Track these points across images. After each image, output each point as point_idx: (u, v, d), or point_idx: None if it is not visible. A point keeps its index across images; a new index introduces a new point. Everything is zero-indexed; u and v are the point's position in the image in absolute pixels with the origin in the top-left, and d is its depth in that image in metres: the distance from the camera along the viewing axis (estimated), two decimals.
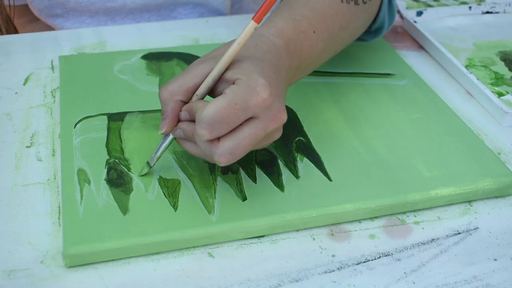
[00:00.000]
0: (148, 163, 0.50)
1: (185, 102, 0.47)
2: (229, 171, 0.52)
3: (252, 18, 0.44)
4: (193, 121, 0.46)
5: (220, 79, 0.46)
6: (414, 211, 0.52)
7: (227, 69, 0.45)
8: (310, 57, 0.53)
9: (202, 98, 0.47)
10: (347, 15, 0.56)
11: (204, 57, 0.48)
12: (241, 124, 0.43)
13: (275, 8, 0.54)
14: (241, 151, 0.44)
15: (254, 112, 0.43)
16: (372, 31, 0.65)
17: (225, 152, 0.43)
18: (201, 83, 0.46)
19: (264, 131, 0.44)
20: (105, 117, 0.58)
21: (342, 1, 0.55)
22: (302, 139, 0.56)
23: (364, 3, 0.58)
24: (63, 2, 0.76)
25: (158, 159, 0.50)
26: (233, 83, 0.44)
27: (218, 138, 0.44)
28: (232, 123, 0.43)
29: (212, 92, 0.47)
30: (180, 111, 0.47)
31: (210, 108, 0.42)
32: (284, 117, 0.45)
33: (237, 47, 0.45)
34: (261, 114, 0.44)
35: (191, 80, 0.46)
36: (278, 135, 0.47)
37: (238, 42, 0.44)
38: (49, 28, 0.81)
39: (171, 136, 0.49)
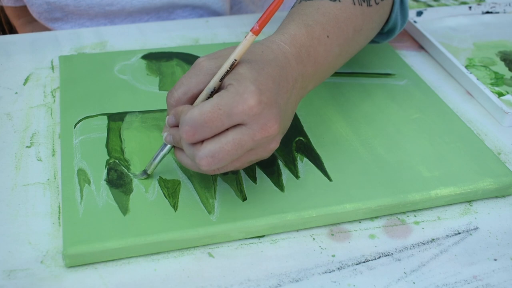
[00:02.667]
0: (145, 170, 0.50)
1: None
2: (229, 171, 0.52)
3: (251, 30, 0.44)
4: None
5: (218, 86, 0.46)
6: (414, 211, 0.52)
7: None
8: (326, 62, 0.52)
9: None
10: (360, 17, 0.55)
11: (209, 57, 0.47)
12: (227, 130, 0.43)
13: (287, 16, 0.54)
14: (223, 155, 0.43)
15: (240, 119, 0.42)
16: (384, 32, 0.64)
17: (206, 155, 0.43)
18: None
19: (251, 138, 0.43)
20: (105, 117, 0.58)
21: (354, 4, 0.55)
22: (302, 139, 0.56)
23: (377, 4, 0.57)
24: (62, 6, 0.76)
25: (155, 166, 0.50)
26: (222, 89, 0.44)
27: (202, 142, 0.43)
28: (215, 127, 0.42)
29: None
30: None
31: (194, 111, 0.42)
32: (274, 128, 0.43)
33: (234, 62, 0.44)
34: (249, 121, 0.43)
35: (196, 87, 0.46)
36: (274, 145, 0.45)
37: (235, 57, 0.44)
38: (49, 29, 0.81)
39: (169, 145, 0.49)
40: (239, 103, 0.42)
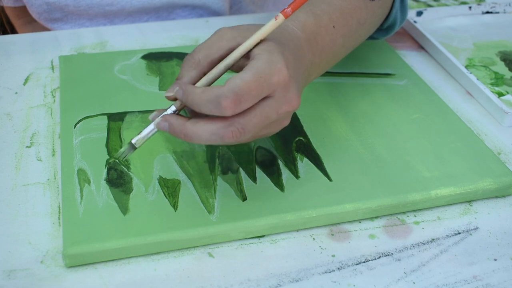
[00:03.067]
0: (131, 143, 0.45)
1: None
2: (229, 171, 0.52)
3: (282, 12, 0.43)
4: (182, 116, 0.44)
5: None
6: (414, 211, 0.52)
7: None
8: (331, 52, 0.53)
9: (225, 71, 0.45)
10: (364, 10, 0.56)
11: (232, 28, 0.46)
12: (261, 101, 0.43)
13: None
14: (250, 128, 0.42)
15: (273, 89, 0.42)
16: (384, 28, 0.64)
17: (237, 127, 0.42)
18: (225, 55, 0.45)
19: (276, 111, 0.43)
20: (105, 117, 0.58)
21: None
22: (302, 139, 0.56)
23: None
24: (61, 6, 0.76)
25: (144, 142, 0.46)
26: (254, 59, 0.43)
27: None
28: (258, 96, 0.42)
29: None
30: (176, 99, 0.45)
31: (236, 81, 0.41)
32: (297, 103, 0.44)
33: (261, 36, 0.44)
34: (278, 93, 0.43)
35: (217, 51, 0.45)
36: (286, 122, 0.46)
37: (261, 37, 0.44)
38: (49, 29, 0.81)
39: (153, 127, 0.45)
40: (275, 71, 0.42)
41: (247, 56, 0.45)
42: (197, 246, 0.47)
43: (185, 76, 0.45)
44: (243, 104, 0.41)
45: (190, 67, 0.45)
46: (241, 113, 0.42)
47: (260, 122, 0.43)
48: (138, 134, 0.45)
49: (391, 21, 0.63)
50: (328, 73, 0.66)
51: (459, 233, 0.50)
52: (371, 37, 0.65)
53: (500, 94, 0.67)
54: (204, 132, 0.43)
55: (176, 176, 0.51)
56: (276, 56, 0.43)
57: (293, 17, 0.50)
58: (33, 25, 0.85)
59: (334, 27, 0.52)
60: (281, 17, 0.44)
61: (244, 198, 0.49)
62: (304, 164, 0.53)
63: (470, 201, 0.53)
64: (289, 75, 0.43)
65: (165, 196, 0.49)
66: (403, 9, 0.64)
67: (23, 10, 0.82)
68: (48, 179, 0.52)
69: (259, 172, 0.52)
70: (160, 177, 0.51)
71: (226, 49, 0.45)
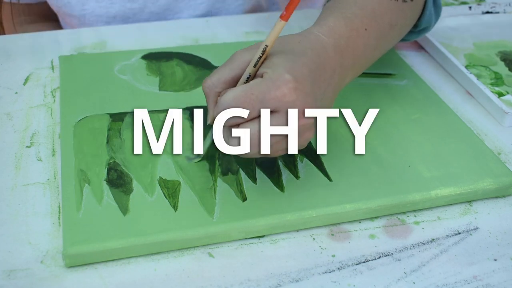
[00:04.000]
0: (195, 154, 0.51)
1: None
2: (229, 172, 0.52)
3: (280, 16, 0.44)
4: None
5: (255, 74, 0.46)
6: (414, 211, 0.52)
7: (261, 64, 0.45)
8: (364, 55, 0.52)
9: None
10: (395, 13, 0.56)
11: (245, 48, 0.47)
12: (259, 116, 0.43)
13: (324, 9, 0.54)
14: (255, 141, 0.43)
15: (273, 105, 0.43)
16: (417, 30, 0.64)
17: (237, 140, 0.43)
18: (238, 75, 0.46)
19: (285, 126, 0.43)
20: (105, 117, 0.58)
21: None
22: None
23: (411, 0, 0.57)
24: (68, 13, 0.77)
25: (207, 148, 0.51)
26: (261, 77, 0.44)
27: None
28: (251, 112, 0.43)
29: None
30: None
31: (228, 95, 0.43)
32: (309, 118, 0.44)
33: (265, 48, 0.45)
34: (282, 109, 0.43)
35: (229, 73, 0.46)
36: (309, 135, 0.46)
37: (266, 43, 0.44)
38: (49, 29, 0.81)
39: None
40: (271, 89, 0.43)
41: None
42: (197, 246, 0.47)
43: (209, 104, 0.48)
44: (230, 118, 0.43)
45: (206, 92, 0.47)
46: (244, 126, 0.43)
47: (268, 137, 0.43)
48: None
49: (425, 23, 0.62)
50: None
51: (459, 233, 0.50)
52: (403, 39, 0.64)
53: (500, 94, 0.67)
54: (227, 140, 0.46)
55: (176, 177, 0.51)
56: (278, 72, 0.43)
57: (321, 22, 0.50)
58: (33, 25, 0.85)
59: (366, 29, 0.52)
60: (279, 21, 0.44)
61: (244, 199, 0.49)
62: (304, 164, 0.53)
63: (470, 201, 0.53)
64: (292, 88, 0.43)
65: (165, 196, 0.49)
66: (437, 9, 0.63)
67: (23, 10, 0.82)
68: (48, 179, 0.52)
69: (259, 173, 0.52)
70: (160, 178, 0.51)
71: (236, 70, 0.46)
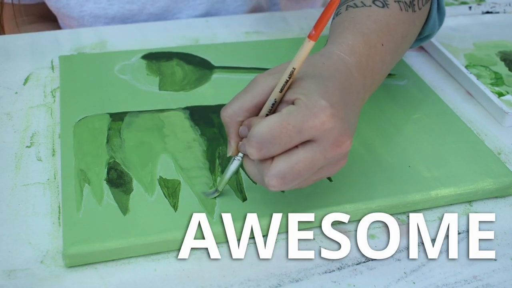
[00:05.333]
0: (216, 189, 0.49)
1: None
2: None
3: (308, 36, 0.41)
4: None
5: (281, 100, 0.43)
6: (414, 211, 0.52)
7: (288, 88, 0.42)
8: (381, 71, 0.50)
9: None
10: (407, 24, 0.54)
11: (267, 72, 0.45)
12: (296, 147, 0.41)
13: (336, 24, 0.52)
14: (294, 176, 0.41)
15: (311, 135, 0.40)
16: (420, 38, 0.62)
17: (276, 176, 0.41)
18: (261, 102, 0.43)
19: (323, 156, 0.41)
20: (105, 117, 0.58)
21: (401, 10, 0.53)
22: None
23: (420, 9, 0.56)
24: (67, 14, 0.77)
25: (226, 182, 0.48)
26: (293, 103, 0.41)
27: (272, 159, 0.41)
28: (284, 144, 0.40)
29: (274, 113, 0.43)
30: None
31: (262, 125, 0.40)
32: (348, 143, 0.42)
33: (293, 70, 0.42)
34: (320, 137, 0.40)
35: (251, 100, 0.43)
36: (344, 162, 0.43)
37: (293, 65, 0.41)
38: (48, 29, 0.81)
39: (238, 159, 0.46)
40: (309, 118, 0.40)
41: (288, 100, 0.42)
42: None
43: (230, 134, 0.45)
44: (264, 150, 0.40)
45: (226, 121, 0.44)
46: (282, 158, 0.41)
47: (305, 169, 0.41)
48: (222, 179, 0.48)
49: (429, 30, 0.61)
50: None
51: (459, 233, 0.50)
52: None
53: (500, 94, 0.67)
54: (252, 174, 0.44)
55: (176, 177, 0.51)
56: (314, 99, 0.41)
57: (339, 41, 0.48)
58: (33, 25, 0.85)
59: (382, 45, 0.50)
60: (307, 41, 0.41)
61: (244, 198, 0.49)
62: None
63: (470, 201, 0.53)
64: (330, 115, 0.40)
65: (165, 196, 0.49)
66: (441, 15, 0.62)
67: (23, 10, 0.82)
68: (48, 179, 0.52)
69: None
70: (160, 177, 0.51)
71: (259, 96, 0.43)
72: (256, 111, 0.44)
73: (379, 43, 0.50)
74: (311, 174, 0.42)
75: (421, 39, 0.63)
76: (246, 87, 0.44)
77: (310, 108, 0.40)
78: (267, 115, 0.43)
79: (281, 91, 0.42)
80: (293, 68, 0.42)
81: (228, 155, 0.46)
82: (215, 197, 0.49)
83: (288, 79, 0.42)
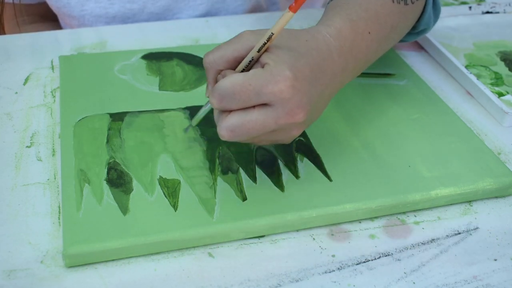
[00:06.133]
0: (190, 124, 0.54)
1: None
2: (229, 171, 0.52)
3: (289, 7, 0.43)
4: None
5: (257, 60, 0.46)
6: (414, 211, 0.52)
7: (265, 52, 0.45)
8: (365, 58, 0.53)
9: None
10: (397, 15, 0.56)
11: (254, 31, 0.47)
12: (253, 107, 0.44)
13: (330, 7, 0.54)
14: (243, 132, 0.44)
15: (268, 99, 0.43)
16: (415, 32, 0.64)
17: (227, 128, 0.44)
18: (241, 57, 0.46)
19: (274, 121, 0.43)
20: (105, 117, 0.58)
21: (393, 1, 0.55)
22: (302, 139, 0.56)
23: (412, 3, 0.58)
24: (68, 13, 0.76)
25: (199, 119, 0.52)
26: (263, 67, 0.44)
27: (229, 113, 0.44)
28: (242, 101, 0.43)
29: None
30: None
31: (226, 80, 0.43)
32: (301, 115, 0.44)
33: (271, 35, 0.44)
34: (275, 103, 0.43)
35: (232, 53, 0.46)
36: (296, 132, 0.46)
37: (272, 31, 0.44)
38: (48, 29, 0.81)
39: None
40: (270, 83, 0.43)
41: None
42: (197, 246, 0.47)
43: (208, 78, 0.48)
44: (223, 103, 0.44)
45: (207, 67, 0.47)
46: (237, 113, 0.44)
47: (254, 129, 0.44)
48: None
49: (424, 25, 0.63)
50: None
51: (459, 233, 0.50)
52: (401, 40, 0.64)
53: (500, 94, 0.67)
54: (216, 120, 0.46)
55: (176, 176, 0.51)
56: (280, 67, 0.43)
57: (328, 23, 0.50)
58: (33, 25, 0.85)
59: (369, 33, 0.52)
60: (287, 12, 0.43)
61: (244, 198, 0.49)
62: (304, 164, 0.53)
63: (470, 201, 0.53)
64: (289, 86, 0.43)
65: (165, 196, 0.49)
66: (436, 11, 0.64)
67: (24, 10, 0.82)
68: (48, 179, 0.52)
69: (259, 172, 0.52)
70: (160, 177, 0.51)
71: (240, 51, 0.46)
72: (235, 64, 0.47)
73: (366, 31, 0.52)
74: (262, 135, 0.45)
75: (417, 33, 0.65)
76: (232, 39, 0.47)
77: (274, 75, 0.43)
78: (243, 70, 0.46)
79: (258, 52, 0.45)
80: (272, 33, 0.44)
81: (206, 96, 0.49)
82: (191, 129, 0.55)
83: (266, 41, 0.44)
